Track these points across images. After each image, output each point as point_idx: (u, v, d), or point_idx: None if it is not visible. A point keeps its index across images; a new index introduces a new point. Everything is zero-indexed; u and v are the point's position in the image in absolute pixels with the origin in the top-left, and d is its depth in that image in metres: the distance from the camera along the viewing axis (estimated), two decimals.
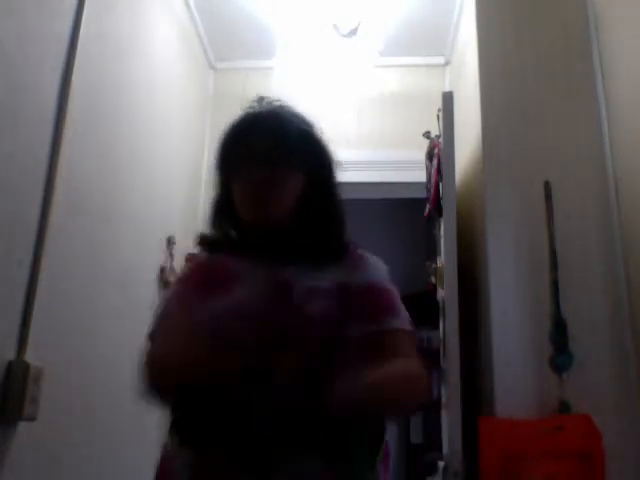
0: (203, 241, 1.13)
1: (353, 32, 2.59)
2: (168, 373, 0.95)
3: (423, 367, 0.97)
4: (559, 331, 1.76)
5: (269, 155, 1.03)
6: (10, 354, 1.30)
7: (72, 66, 1.54)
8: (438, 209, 2.22)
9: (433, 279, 2.30)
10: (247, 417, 0.87)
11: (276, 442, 0.86)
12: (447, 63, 2.97)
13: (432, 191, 2.28)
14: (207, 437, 0.90)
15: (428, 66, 3.01)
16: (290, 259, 1.01)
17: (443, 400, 2.08)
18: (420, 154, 2.46)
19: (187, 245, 2.59)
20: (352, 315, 0.96)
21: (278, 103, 1.12)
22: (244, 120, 1.09)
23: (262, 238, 1.05)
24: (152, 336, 1.05)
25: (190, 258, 1.18)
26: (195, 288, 1.05)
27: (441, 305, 2.13)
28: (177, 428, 0.96)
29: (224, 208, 1.11)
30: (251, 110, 1.11)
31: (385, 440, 0.98)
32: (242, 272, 1.02)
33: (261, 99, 1.13)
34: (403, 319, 1.02)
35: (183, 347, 0.95)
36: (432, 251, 2.39)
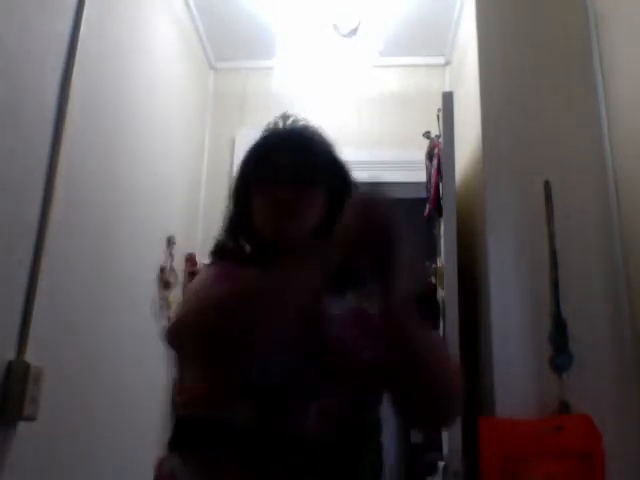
0: (219, 250, 1.09)
1: (353, 32, 2.59)
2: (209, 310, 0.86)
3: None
4: (559, 331, 1.76)
5: (293, 173, 1.02)
6: (10, 354, 1.30)
7: (72, 65, 1.54)
8: (438, 209, 2.22)
9: (433, 279, 2.30)
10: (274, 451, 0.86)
11: (287, 467, 0.85)
12: (447, 63, 2.97)
13: (432, 191, 2.28)
14: (220, 455, 0.88)
15: (428, 66, 3.01)
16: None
17: None
18: (420, 154, 2.46)
19: (187, 245, 2.60)
20: (374, 335, 0.94)
21: (303, 122, 1.13)
22: (270, 137, 1.10)
23: (281, 257, 1.02)
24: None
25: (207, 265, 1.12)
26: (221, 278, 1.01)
27: (441, 305, 2.13)
28: (183, 443, 0.94)
29: (241, 224, 1.08)
30: (275, 127, 1.11)
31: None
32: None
33: (285, 117, 1.13)
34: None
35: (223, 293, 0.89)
36: (432, 251, 2.39)
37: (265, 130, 1.11)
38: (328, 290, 0.95)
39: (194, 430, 0.93)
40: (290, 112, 1.14)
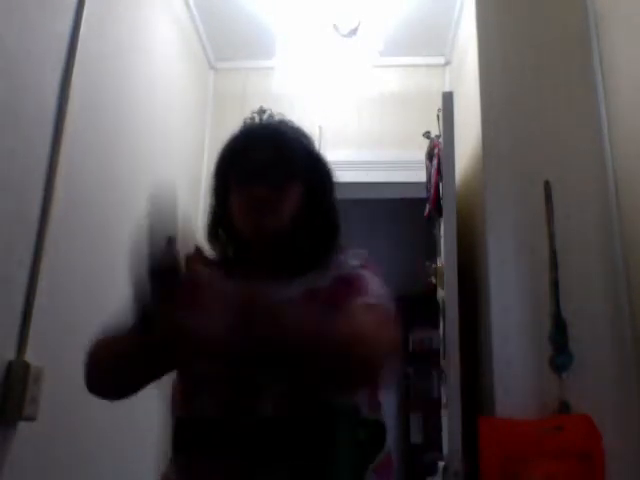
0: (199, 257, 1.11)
1: (353, 32, 2.59)
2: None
3: (397, 329, 0.89)
4: (559, 331, 1.76)
5: (269, 170, 1.02)
6: (10, 354, 1.30)
7: (72, 65, 1.54)
8: (438, 209, 2.22)
9: (433, 279, 2.30)
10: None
11: (247, 454, 0.86)
12: (447, 63, 2.97)
13: (432, 191, 2.28)
14: (193, 447, 0.91)
15: (428, 66, 3.01)
16: (275, 274, 1.00)
17: (443, 400, 2.08)
18: (420, 154, 2.46)
19: (187, 245, 2.59)
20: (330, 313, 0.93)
21: (279, 117, 1.13)
22: (244, 133, 1.09)
23: (259, 251, 1.05)
24: None
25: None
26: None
27: (441, 305, 2.13)
28: (173, 439, 0.97)
29: (221, 219, 1.10)
30: (251, 122, 1.12)
31: (387, 452, 0.95)
32: (222, 291, 0.99)
33: (262, 111, 1.14)
34: (374, 296, 0.95)
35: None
36: (432, 251, 2.39)
37: (241, 126, 1.11)
38: (281, 275, 0.98)
39: (177, 430, 0.97)
40: (266, 107, 1.16)
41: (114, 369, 0.94)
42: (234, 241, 1.09)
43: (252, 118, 1.13)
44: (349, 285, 0.98)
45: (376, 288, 0.98)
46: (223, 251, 1.10)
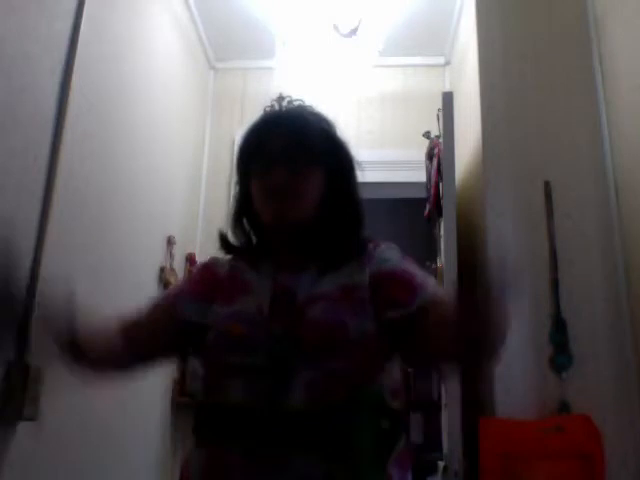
0: (225, 244, 1.11)
1: (353, 32, 2.59)
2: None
3: None
4: (559, 331, 1.76)
5: (288, 156, 1.02)
6: (10, 354, 1.30)
7: (72, 66, 1.54)
8: (438, 209, 2.22)
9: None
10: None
11: (280, 442, 0.86)
12: (447, 63, 2.97)
13: (432, 191, 2.28)
14: (219, 438, 0.91)
15: (428, 66, 3.01)
16: (303, 265, 1.01)
17: (443, 400, 2.08)
18: (420, 154, 2.46)
19: (187, 245, 2.60)
20: (364, 312, 0.95)
21: (298, 102, 1.12)
22: (264, 120, 1.08)
23: (282, 241, 1.05)
24: None
25: (202, 263, 1.17)
26: (205, 283, 1.06)
27: None
28: (195, 429, 0.97)
29: (245, 208, 1.09)
30: (271, 110, 1.11)
31: (406, 447, 0.95)
32: (250, 284, 1.02)
33: (281, 98, 1.12)
34: (431, 289, 0.97)
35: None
36: (432, 251, 2.39)
37: (262, 113, 1.10)
38: (309, 267, 0.99)
39: (199, 416, 0.97)
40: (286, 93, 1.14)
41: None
42: (258, 230, 1.09)
43: (272, 106, 1.11)
44: (396, 280, 0.99)
45: (424, 278, 1.00)
46: (247, 240, 1.10)
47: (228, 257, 1.11)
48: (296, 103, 1.12)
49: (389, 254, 1.05)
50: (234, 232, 1.11)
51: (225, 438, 0.90)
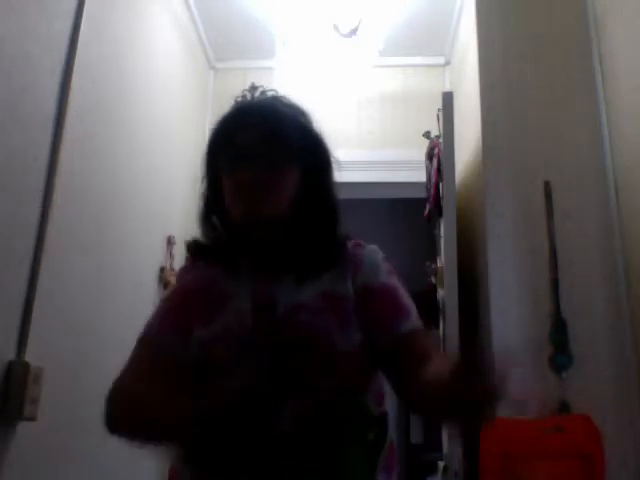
0: (193, 249, 1.05)
1: (353, 32, 2.59)
2: (122, 418, 0.97)
3: None
4: (559, 331, 1.76)
5: (259, 152, 0.94)
6: (10, 354, 1.30)
7: (72, 66, 1.54)
8: (438, 209, 2.22)
9: (433, 279, 2.30)
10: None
11: (266, 467, 0.84)
12: (447, 63, 2.97)
13: (432, 191, 2.28)
14: (209, 457, 0.87)
15: (428, 66, 3.01)
16: (280, 270, 0.96)
17: None
18: (420, 154, 2.46)
19: None
20: (350, 323, 0.92)
21: (272, 93, 1.05)
22: (234, 113, 1.01)
23: (255, 241, 0.99)
24: (130, 358, 1.02)
25: (181, 270, 1.10)
26: (180, 308, 1.00)
27: (441, 305, 2.13)
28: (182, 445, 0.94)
29: (214, 206, 1.02)
30: (242, 101, 1.04)
31: (389, 445, 0.94)
32: (228, 296, 0.96)
33: (254, 88, 1.06)
34: (415, 317, 0.95)
35: (138, 388, 0.95)
36: (432, 251, 2.39)
37: (233, 105, 1.03)
38: (286, 272, 0.95)
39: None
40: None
41: (146, 434, 0.94)
42: (228, 228, 1.02)
43: (243, 96, 1.04)
44: (382, 300, 0.95)
45: (409, 303, 0.97)
46: (217, 238, 1.03)
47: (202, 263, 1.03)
48: (269, 93, 1.05)
49: (374, 261, 1.01)
50: (203, 231, 1.03)
51: (209, 460, 0.87)
